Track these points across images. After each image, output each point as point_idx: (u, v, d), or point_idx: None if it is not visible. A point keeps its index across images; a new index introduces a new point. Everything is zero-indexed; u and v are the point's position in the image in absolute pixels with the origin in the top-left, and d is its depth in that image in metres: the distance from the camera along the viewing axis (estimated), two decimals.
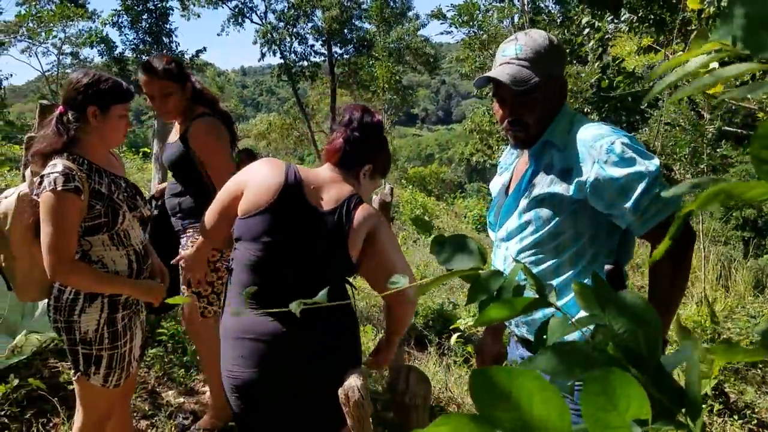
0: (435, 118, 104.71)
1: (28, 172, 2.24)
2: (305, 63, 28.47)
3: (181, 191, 2.91)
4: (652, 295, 1.63)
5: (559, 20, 10.62)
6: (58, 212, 2.03)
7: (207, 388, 3.48)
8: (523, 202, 1.80)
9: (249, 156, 2.98)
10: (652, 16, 6.50)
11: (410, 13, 29.09)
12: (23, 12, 18.48)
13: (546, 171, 1.76)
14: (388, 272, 1.87)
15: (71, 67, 23.22)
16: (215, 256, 2.86)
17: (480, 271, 0.69)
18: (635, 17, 6.65)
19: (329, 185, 1.95)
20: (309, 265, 1.88)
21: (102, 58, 23.99)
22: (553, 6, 11.93)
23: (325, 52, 28.50)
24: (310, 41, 28.42)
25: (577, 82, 7.96)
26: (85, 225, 2.13)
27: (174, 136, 2.97)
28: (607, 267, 1.73)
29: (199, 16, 26.72)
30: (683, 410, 0.53)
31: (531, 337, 1.82)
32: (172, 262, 2.44)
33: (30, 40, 20.18)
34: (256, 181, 1.93)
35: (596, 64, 7.93)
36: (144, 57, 23.10)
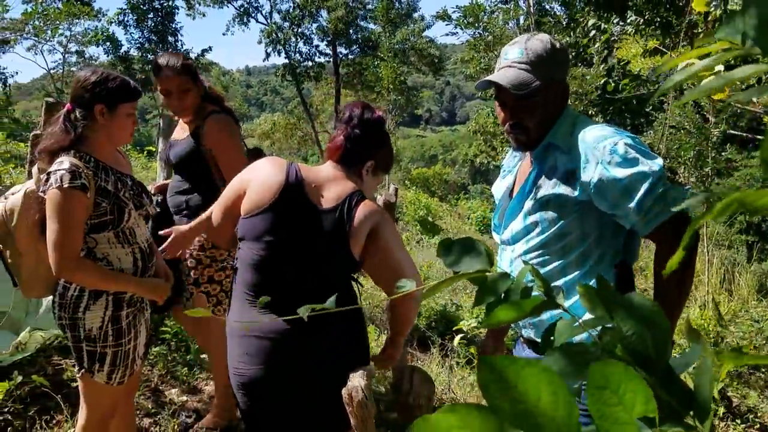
0: (439, 119, 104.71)
1: (35, 169, 2.25)
2: (310, 63, 28.53)
3: (187, 189, 2.90)
4: (658, 298, 1.63)
5: (564, 22, 10.61)
6: (64, 209, 2.04)
7: (209, 387, 3.49)
8: (528, 204, 1.80)
9: (258, 155, 2.99)
10: (659, 19, 6.50)
11: (416, 14, 29.14)
12: (30, 10, 18.53)
13: (550, 173, 1.76)
14: (391, 269, 1.88)
15: (76, 65, 23.24)
16: (223, 255, 2.87)
17: (488, 274, 0.69)
18: (641, 20, 6.65)
19: (331, 183, 1.95)
20: (311, 264, 1.89)
21: (107, 56, 24.04)
22: (559, 8, 11.93)
23: (330, 53, 28.55)
24: (315, 41, 28.50)
25: (583, 84, 7.95)
26: (91, 222, 2.14)
27: (181, 133, 2.97)
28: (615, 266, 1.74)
29: (204, 16, 26.79)
30: (691, 412, 0.53)
31: (538, 339, 1.82)
32: (161, 233, 2.41)
33: (36, 38, 20.22)
34: (258, 180, 1.94)
35: (602, 66, 7.92)
36: (149, 56, 23.18)
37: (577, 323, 0.64)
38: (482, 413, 0.46)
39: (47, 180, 2.06)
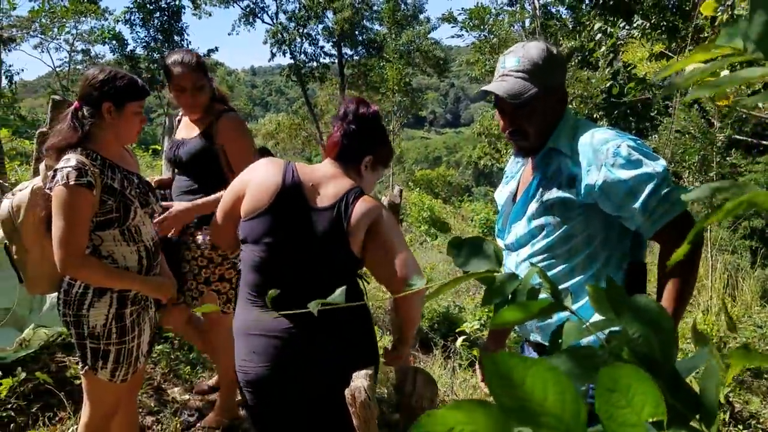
0: (443, 121, 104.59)
1: (41, 166, 2.26)
2: (315, 64, 28.56)
3: (195, 189, 2.87)
4: (661, 299, 1.63)
5: (570, 26, 10.61)
6: (69, 206, 2.04)
7: (211, 385, 3.49)
8: (532, 208, 1.80)
9: (266, 155, 2.99)
10: (665, 23, 6.49)
11: (421, 16, 29.16)
12: (37, 7, 18.60)
13: (553, 177, 1.77)
14: (392, 266, 1.85)
15: (82, 63, 23.33)
16: (235, 253, 2.88)
17: (496, 274, 0.69)
18: (648, 24, 6.64)
19: (329, 181, 1.95)
20: (310, 264, 1.88)
21: (113, 54, 24.11)
22: (565, 11, 11.91)
23: (335, 54, 28.58)
24: (321, 42, 28.53)
25: (588, 87, 7.94)
26: (97, 220, 2.14)
27: (188, 132, 2.94)
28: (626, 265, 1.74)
29: (210, 15, 26.84)
30: (698, 416, 0.54)
31: (546, 343, 1.82)
32: (163, 204, 2.42)
33: (43, 36, 20.29)
34: (255, 182, 1.95)
35: (607, 70, 7.92)
36: (155, 55, 23.22)
37: (584, 326, 0.64)
38: (487, 410, 0.47)
39: (53, 177, 2.07)
